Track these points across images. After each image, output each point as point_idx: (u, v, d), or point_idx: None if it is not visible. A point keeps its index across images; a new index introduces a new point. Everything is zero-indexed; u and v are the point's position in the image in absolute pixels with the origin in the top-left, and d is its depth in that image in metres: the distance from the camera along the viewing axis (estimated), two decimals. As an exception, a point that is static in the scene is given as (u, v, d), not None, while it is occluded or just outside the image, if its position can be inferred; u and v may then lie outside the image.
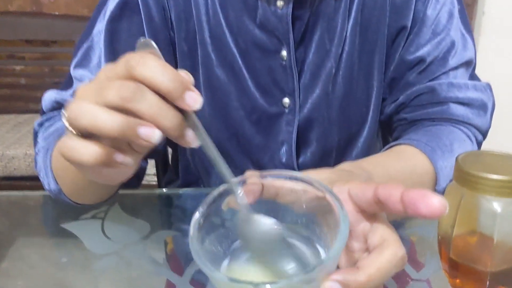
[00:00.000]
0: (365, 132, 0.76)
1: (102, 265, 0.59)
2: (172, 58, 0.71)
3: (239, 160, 0.76)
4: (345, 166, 0.51)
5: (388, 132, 0.81)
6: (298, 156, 0.75)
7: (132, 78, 0.34)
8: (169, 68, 0.34)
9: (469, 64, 0.72)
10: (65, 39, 2.15)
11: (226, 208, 0.42)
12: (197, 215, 0.39)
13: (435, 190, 0.62)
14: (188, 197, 0.76)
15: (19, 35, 2.24)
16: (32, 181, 1.87)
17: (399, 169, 0.58)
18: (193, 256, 0.35)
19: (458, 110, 0.69)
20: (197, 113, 0.78)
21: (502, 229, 0.45)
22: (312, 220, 0.42)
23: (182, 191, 0.78)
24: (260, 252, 0.41)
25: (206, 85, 0.71)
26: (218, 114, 0.73)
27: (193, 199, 0.76)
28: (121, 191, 0.71)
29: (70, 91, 0.70)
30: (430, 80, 0.70)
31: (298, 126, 0.73)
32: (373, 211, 0.39)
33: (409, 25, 0.69)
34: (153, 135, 0.34)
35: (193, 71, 0.70)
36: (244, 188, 0.42)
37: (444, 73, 0.70)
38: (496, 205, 0.44)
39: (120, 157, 0.36)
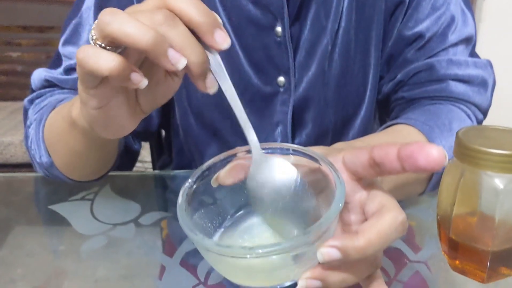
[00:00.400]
0: (362, 113, 0.74)
1: (91, 247, 0.57)
2: None
3: (234, 142, 0.74)
4: (338, 145, 0.49)
5: (386, 113, 0.79)
6: (293, 138, 0.73)
7: (166, 7, 0.35)
8: (202, 3, 0.35)
9: (469, 41, 0.69)
10: (61, 25, 2.12)
11: (215, 185, 0.40)
12: (185, 186, 0.38)
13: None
14: (180, 179, 0.75)
15: (15, 21, 2.21)
16: (28, 168, 1.85)
17: None
18: (180, 224, 0.34)
19: (457, 87, 0.67)
20: (190, 90, 0.75)
21: (505, 206, 0.43)
22: (310, 194, 0.40)
23: (174, 172, 0.76)
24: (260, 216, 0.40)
25: None
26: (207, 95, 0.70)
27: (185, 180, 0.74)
28: (112, 173, 0.70)
29: (60, 69, 0.69)
30: (429, 57, 0.68)
31: (293, 106, 0.70)
32: (369, 176, 0.37)
33: None
34: (180, 61, 0.34)
35: None
36: (235, 163, 0.40)
37: (443, 49, 0.68)
38: (499, 182, 0.42)
39: (137, 76, 0.36)
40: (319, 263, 0.33)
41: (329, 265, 0.34)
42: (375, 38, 0.69)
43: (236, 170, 0.40)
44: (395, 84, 0.71)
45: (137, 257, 0.56)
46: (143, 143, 0.77)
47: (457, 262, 0.47)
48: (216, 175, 0.40)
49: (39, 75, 0.69)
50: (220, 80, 0.37)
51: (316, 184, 0.38)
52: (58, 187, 0.71)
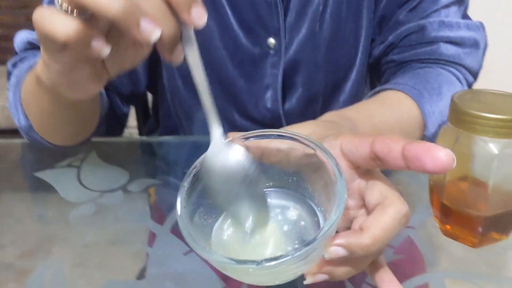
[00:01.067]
0: (353, 76, 0.73)
1: (79, 214, 0.56)
2: None
3: (224, 107, 0.72)
4: (329, 116, 0.48)
5: (376, 77, 0.78)
6: (283, 102, 0.72)
7: None
8: None
9: (462, 2, 0.68)
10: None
11: None
12: (182, 192, 0.35)
13: (423, 135, 0.59)
14: (168, 145, 0.73)
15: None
16: (11, 134, 1.82)
17: (385, 117, 0.55)
18: (184, 237, 0.32)
19: (448, 50, 0.66)
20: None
21: (499, 172, 0.42)
22: (303, 179, 0.39)
23: (162, 138, 0.75)
24: (246, 214, 0.38)
25: None
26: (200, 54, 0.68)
27: (174, 147, 0.73)
28: (98, 139, 0.68)
29: None
30: (420, 18, 0.67)
31: (284, 69, 0.69)
32: (370, 167, 0.36)
33: None
34: (153, 32, 0.32)
35: None
36: None
37: (435, 11, 0.66)
38: (493, 147, 0.42)
39: (98, 44, 0.33)
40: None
41: (335, 261, 0.34)
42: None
43: None
44: (386, 47, 0.70)
45: (126, 224, 0.55)
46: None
47: (449, 227, 0.47)
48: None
49: (22, 37, 0.66)
50: (189, 54, 0.35)
51: (312, 172, 0.37)
52: (43, 153, 0.70)
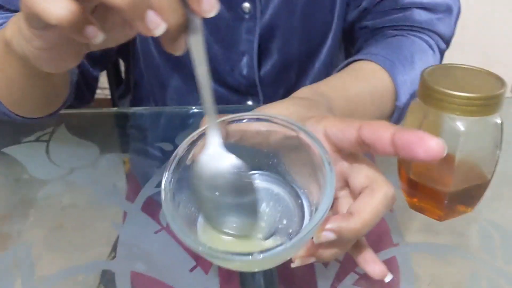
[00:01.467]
0: (328, 42, 0.72)
1: (48, 192, 0.55)
2: None
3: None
4: (303, 93, 0.47)
5: (350, 43, 0.77)
6: (259, 68, 0.71)
7: None
8: None
9: None
10: None
11: (191, 162, 0.38)
12: (165, 180, 0.34)
13: (394, 106, 0.59)
14: (140, 117, 0.72)
15: None
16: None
17: (359, 90, 0.55)
18: (173, 230, 0.31)
19: (421, 16, 0.65)
20: None
21: (464, 148, 0.43)
22: (283, 161, 0.38)
23: (134, 110, 0.73)
24: (233, 202, 0.37)
25: None
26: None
27: (146, 118, 0.72)
28: (67, 111, 0.66)
29: None
30: None
31: (259, 35, 0.67)
32: (356, 152, 0.36)
33: None
34: (160, 26, 0.30)
35: None
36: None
37: None
38: (460, 124, 0.42)
39: (92, 29, 0.31)
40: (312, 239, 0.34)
41: (323, 244, 0.34)
42: None
43: None
44: (360, 12, 0.68)
45: (96, 203, 0.55)
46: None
47: (415, 200, 0.48)
48: (191, 155, 0.37)
49: None
50: (193, 45, 0.32)
51: (294, 153, 0.37)
52: (10, 128, 0.68)
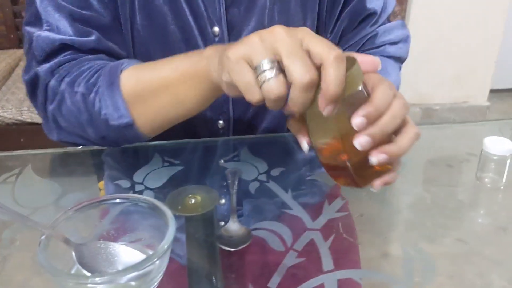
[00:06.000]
0: None
1: (11, 235, 0.59)
2: None
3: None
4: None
5: None
6: None
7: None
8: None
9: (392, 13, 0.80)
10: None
11: None
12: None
13: None
14: (108, 155, 0.76)
15: None
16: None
17: None
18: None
19: (391, 48, 0.78)
20: (135, 35, 0.75)
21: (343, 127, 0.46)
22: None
23: (97, 147, 0.77)
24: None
25: (143, 8, 0.70)
26: (155, 37, 0.72)
27: (111, 155, 0.76)
28: (35, 151, 0.71)
29: (58, 22, 0.64)
30: (374, 27, 0.77)
31: None
32: None
33: None
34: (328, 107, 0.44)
35: None
36: None
37: (385, 19, 0.78)
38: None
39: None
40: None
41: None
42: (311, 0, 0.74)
43: None
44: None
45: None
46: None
47: (332, 173, 0.52)
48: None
49: (47, 38, 0.63)
50: None
51: None
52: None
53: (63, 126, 0.66)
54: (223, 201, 0.64)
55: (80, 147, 0.83)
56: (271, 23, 0.72)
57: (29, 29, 0.65)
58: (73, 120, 0.64)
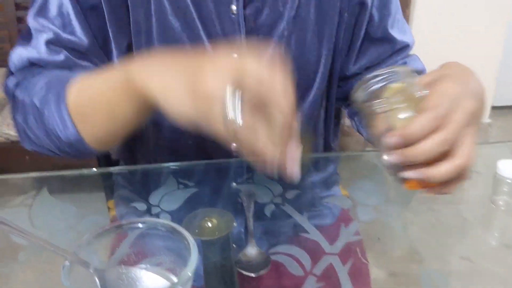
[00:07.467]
0: (310, 97, 0.78)
1: (28, 257, 0.59)
2: (124, 6, 0.68)
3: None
4: None
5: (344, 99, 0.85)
6: None
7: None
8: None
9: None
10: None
11: None
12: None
13: None
14: (119, 175, 0.77)
15: None
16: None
17: None
18: None
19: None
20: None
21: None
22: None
23: (113, 169, 0.78)
24: None
25: (160, 33, 0.70)
26: None
27: (124, 176, 0.77)
28: (50, 173, 0.71)
29: (40, 47, 0.66)
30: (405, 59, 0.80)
31: None
32: None
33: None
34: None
35: (146, 20, 0.69)
36: None
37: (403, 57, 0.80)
38: None
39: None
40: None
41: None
42: (328, 31, 0.74)
43: None
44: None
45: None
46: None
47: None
48: None
49: (19, 55, 0.67)
50: None
51: None
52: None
53: (32, 138, 0.65)
54: (234, 224, 0.64)
55: (94, 168, 0.83)
56: (287, 52, 0.73)
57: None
58: (37, 133, 0.64)
